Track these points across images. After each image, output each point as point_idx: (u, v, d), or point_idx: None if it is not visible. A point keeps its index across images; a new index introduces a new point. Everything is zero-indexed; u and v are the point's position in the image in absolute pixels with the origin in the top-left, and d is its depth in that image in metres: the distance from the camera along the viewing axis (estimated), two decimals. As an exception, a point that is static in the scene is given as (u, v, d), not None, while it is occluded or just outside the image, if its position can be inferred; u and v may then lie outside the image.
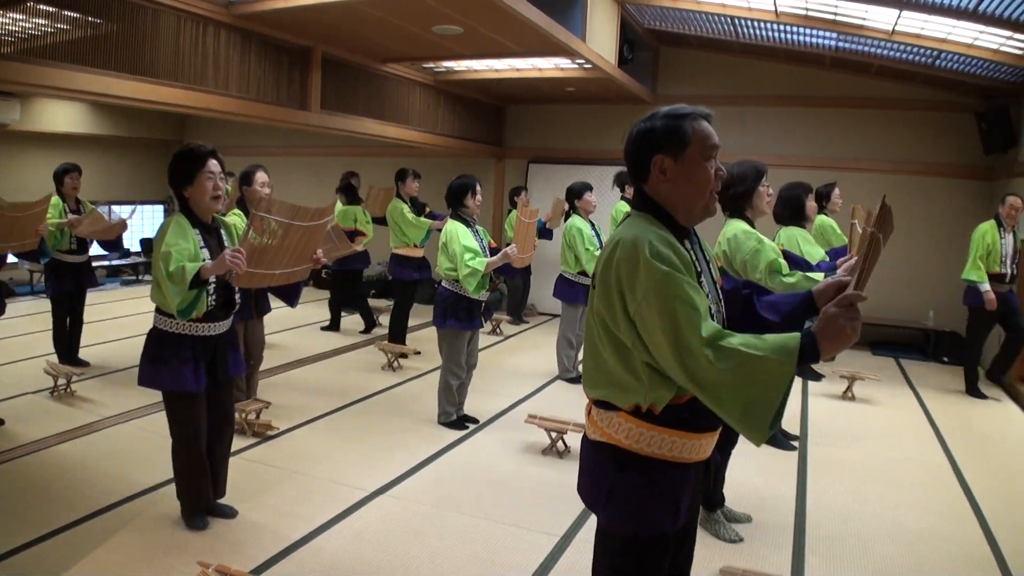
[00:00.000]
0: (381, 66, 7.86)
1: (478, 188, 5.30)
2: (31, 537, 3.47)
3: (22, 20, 4.63)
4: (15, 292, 10.36)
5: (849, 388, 6.68)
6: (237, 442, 4.45)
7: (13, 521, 3.63)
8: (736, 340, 1.70)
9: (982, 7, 5.82)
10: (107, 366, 6.56)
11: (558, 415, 5.17)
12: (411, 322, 7.79)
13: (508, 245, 5.30)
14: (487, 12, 5.64)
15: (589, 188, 6.77)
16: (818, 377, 7.21)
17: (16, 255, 5.95)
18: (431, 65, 8.38)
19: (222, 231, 3.63)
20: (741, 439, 3.66)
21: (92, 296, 7.58)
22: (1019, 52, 6.51)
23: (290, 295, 4.13)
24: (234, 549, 3.46)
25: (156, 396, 3.63)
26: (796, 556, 3.69)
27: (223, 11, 5.78)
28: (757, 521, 4.03)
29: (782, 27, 7.65)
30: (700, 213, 1.98)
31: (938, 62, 7.62)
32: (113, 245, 6.73)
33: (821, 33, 7.58)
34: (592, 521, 3.75)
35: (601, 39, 7.38)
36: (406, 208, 7.35)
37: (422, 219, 7.38)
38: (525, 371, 7.15)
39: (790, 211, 4.65)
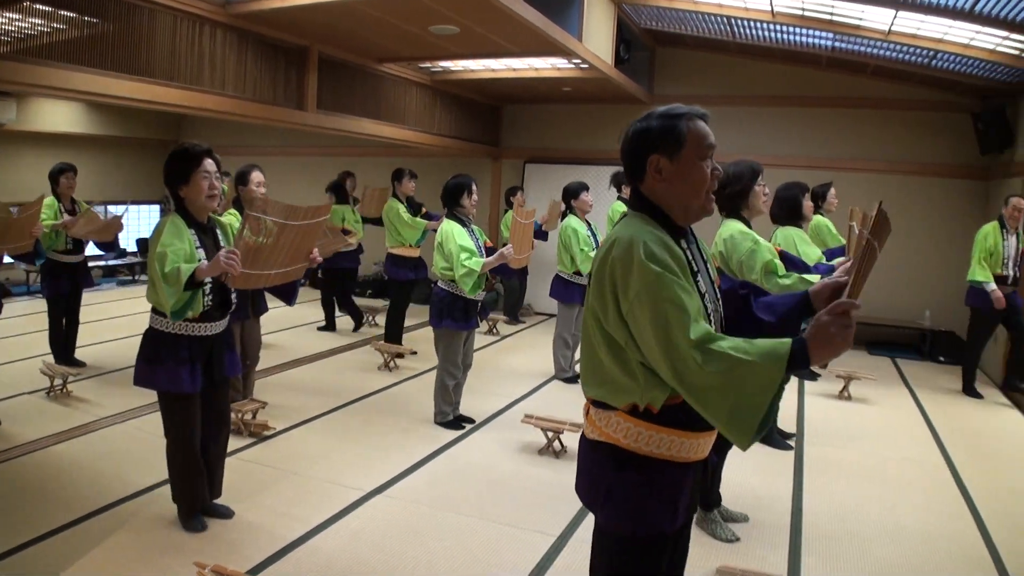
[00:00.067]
0: (377, 66, 7.86)
1: (474, 188, 5.30)
2: (28, 537, 3.46)
3: (18, 19, 4.62)
4: (11, 292, 10.34)
5: (845, 388, 6.68)
6: (233, 442, 4.45)
7: (10, 521, 3.62)
8: (726, 344, 1.69)
9: (978, 7, 5.83)
10: (103, 366, 6.55)
11: (554, 415, 5.17)
12: (407, 322, 7.78)
13: (504, 245, 5.30)
14: (483, 12, 5.64)
15: (585, 188, 6.77)
16: (814, 376, 7.22)
17: (11, 256, 5.95)
18: (427, 65, 8.37)
19: (218, 231, 3.63)
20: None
21: (88, 296, 7.58)
22: (1015, 52, 6.52)
23: (288, 294, 4.12)
24: (231, 549, 3.46)
25: (152, 396, 3.62)
26: (793, 556, 3.69)
27: (219, 11, 5.78)
28: (754, 521, 4.03)
29: (778, 27, 7.66)
30: (697, 213, 1.98)
31: (934, 62, 7.63)
32: (108, 245, 6.72)
33: (817, 33, 7.59)
34: (589, 521, 3.76)
35: (597, 39, 7.38)
36: (402, 208, 7.34)
37: (418, 219, 7.38)
38: (521, 371, 7.15)
39: (787, 211, 4.66)
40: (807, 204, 4.72)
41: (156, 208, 13.06)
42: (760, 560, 3.61)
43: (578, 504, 4.02)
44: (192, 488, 3.60)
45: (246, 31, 6.09)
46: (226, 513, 3.77)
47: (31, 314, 8.54)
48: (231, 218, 4.72)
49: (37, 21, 4.73)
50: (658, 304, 1.75)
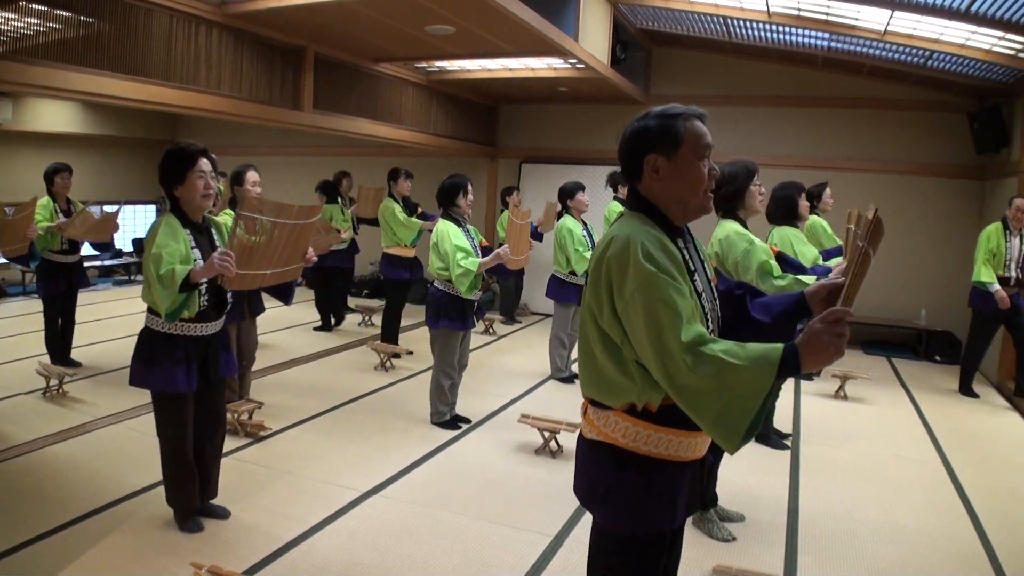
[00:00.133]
0: (374, 66, 7.85)
1: (469, 188, 5.30)
2: (24, 538, 3.46)
3: (14, 19, 4.61)
4: (7, 292, 10.34)
5: (841, 387, 6.69)
6: (230, 443, 4.45)
7: (7, 522, 3.61)
8: (717, 347, 1.69)
9: (974, 7, 5.84)
10: (99, 367, 6.53)
11: (551, 415, 5.18)
12: (404, 322, 7.78)
13: (500, 246, 5.30)
14: (480, 12, 5.64)
15: (581, 188, 6.77)
16: (811, 376, 7.22)
17: (6, 258, 5.94)
18: (424, 65, 8.37)
19: (213, 231, 3.62)
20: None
21: (84, 296, 7.57)
22: (1011, 52, 6.53)
23: (284, 294, 4.12)
24: (227, 550, 3.45)
25: (148, 396, 3.60)
26: (789, 555, 3.70)
27: (215, 10, 5.77)
28: (750, 520, 4.04)
29: (774, 27, 7.67)
30: (695, 211, 1.98)
31: (930, 62, 7.64)
32: (104, 246, 6.71)
33: (813, 33, 7.60)
34: (586, 520, 3.76)
35: (594, 39, 7.38)
36: (398, 208, 7.33)
37: (413, 219, 7.37)
38: (518, 371, 7.16)
39: (783, 211, 4.66)
40: (803, 204, 4.72)
41: (152, 208, 13.03)
42: (756, 559, 3.61)
43: (575, 504, 4.03)
44: (185, 492, 3.59)
45: (242, 31, 6.08)
46: (222, 513, 3.77)
47: (27, 314, 8.54)
48: (227, 218, 4.71)
49: (33, 21, 4.72)
50: (652, 304, 1.74)
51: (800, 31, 7.63)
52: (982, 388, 7.14)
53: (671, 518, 1.96)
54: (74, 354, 6.63)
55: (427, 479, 4.46)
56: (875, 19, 6.58)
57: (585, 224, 6.72)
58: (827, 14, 6.77)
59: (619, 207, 7.08)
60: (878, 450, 5.32)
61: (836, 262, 4.08)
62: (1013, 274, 6.62)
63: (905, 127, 8.91)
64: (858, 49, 7.89)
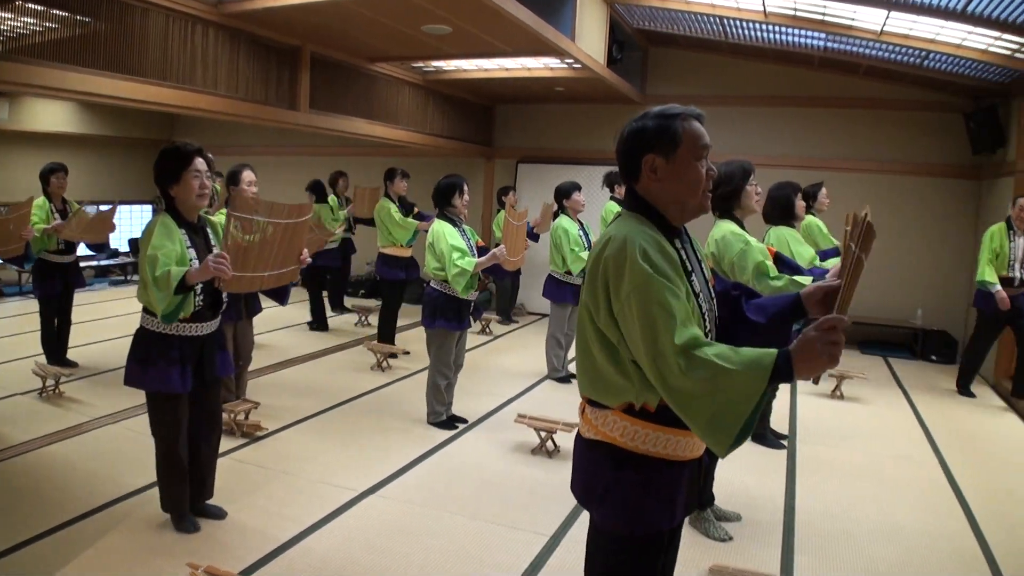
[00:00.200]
0: (370, 66, 7.85)
1: (465, 188, 5.29)
2: (22, 539, 3.45)
3: (10, 19, 4.60)
4: (3, 293, 10.32)
5: (838, 387, 6.70)
6: (226, 443, 4.44)
7: (3, 523, 3.60)
8: (711, 351, 1.69)
9: (970, 8, 5.85)
10: (95, 367, 6.52)
11: (547, 415, 5.18)
12: (400, 322, 7.78)
13: (497, 246, 5.30)
14: (476, 12, 5.64)
15: (577, 188, 6.77)
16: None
17: (1, 259, 5.92)
18: (420, 65, 8.37)
19: (208, 230, 3.62)
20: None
21: (80, 296, 7.55)
22: (1007, 52, 6.54)
23: (280, 294, 4.12)
24: (223, 550, 3.45)
25: (144, 396, 3.60)
26: (785, 554, 3.70)
27: (212, 10, 5.76)
28: (746, 519, 4.04)
29: (771, 27, 7.68)
30: (693, 211, 1.98)
31: (926, 62, 7.65)
32: (100, 246, 6.70)
33: (809, 33, 7.61)
34: (582, 520, 3.76)
35: (590, 39, 7.39)
36: (393, 208, 7.33)
37: (408, 220, 7.37)
38: (514, 371, 7.16)
39: (779, 211, 4.66)
40: (799, 204, 4.72)
41: (149, 208, 13.01)
42: (753, 559, 3.61)
43: (571, 503, 4.03)
44: (173, 488, 3.58)
45: (239, 30, 6.08)
46: (219, 514, 3.76)
47: (23, 315, 8.53)
48: (222, 218, 4.70)
49: (29, 20, 4.72)
50: (647, 306, 1.75)
51: (796, 31, 7.64)
52: (979, 388, 7.15)
53: (669, 517, 1.96)
54: (70, 354, 6.62)
55: (423, 479, 4.46)
56: (871, 19, 6.59)
57: (581, 224, 6.71)
58: (823, 14, 6.77)
59: (616, 207, 7.08)
60: (875, 450, 5.33)
61: (833, 263, 4.08)
62: (1017, 274, 6.54)
63: (901, 127, 8.92)
64: (854, 49, 7.90)
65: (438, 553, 3.54)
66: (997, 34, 6.18)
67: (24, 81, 4.60)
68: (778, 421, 5.62)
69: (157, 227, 3.34)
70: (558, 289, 6.70)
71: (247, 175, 5.17)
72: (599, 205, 8.35)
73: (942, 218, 8.85)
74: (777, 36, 8.09)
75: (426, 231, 5.35)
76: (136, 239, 12.29)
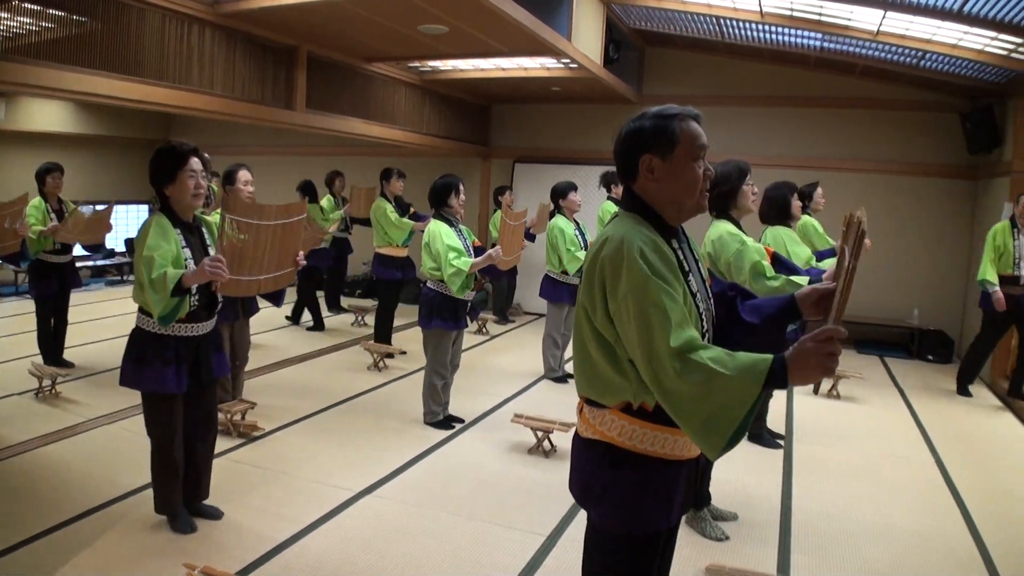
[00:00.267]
0: (367, 65, 7.85)
1: (461, 188, 5.29)
2: (18, 539, 3.44)
3: (7, 18, 4.59)
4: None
5: (834, 386, 6.71)
6: (222, 443, 4.45)
7: (0, 523, 3.61)
8: (706, 354, 1.69)
9: (967, 8, 5.86)
10: (92, 367, 6.51)
11: (544, 414, 5.18)
12: (396, 322, 7.78)
13: (493, 246, 5.30)
14: (473, 12, 5.64)
15: (574, 188, 6.77)
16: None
17: (-2, 258, 5.91)
18: (417, 64, 8.37)
19: (204, 230, 3.62)
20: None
21: (76, 296, 7.53)
22: (1003, 53, 6.55)
23: (275, 295, 4.12)
24: (220, 550, 3.45)
25: (140, 396, 3.60)
26: (782, 554, 3.70)
27: (208, 10, 5.75)
28: (743, 519, 4.05)
29: (767, 27, 7.68)
30: (691, 211, 1.99)
31: (923, 62, 7.66)
32: (96, 247, 6.68)
33: (806, 33, 7.61)
34: (580, 519, 3.76)
35: (587, 39, 7.39)
36: (389, 208, 7.33)
37: (404, 220, 7.37)
38: (511, 371, 7.16)
39: (776, 210, 4.67)
40: (795, 203, 4.73)
41: (145, 208, 12.98)
42: (749, 558, 3.61)
43: (568, 503, 4.03)
44: (166, 486, 3.58)
45: (235, 30, 6.07)
46: (215, 514, 3.76)
47: (19, 315, 8.51)
48: (219, 217, 4.70)
49: (26, 20, 4.71)
50: (643, 307, 1.75)
51: (793, 31, 7.64)
52: (975, 388, 7.14)
53: (667, 516, 1.96)
54: (67, 354, 6.60)
55: (420, 479, 4.46)
56: (868, 19, 6.60)
57: (577, 224, 6.71)
58: (820, 14, 6.78)
59: (613, 207, 7.08)
60: (871, 449, 5.33)
61: (829, 263, 4.09)
62: (1021, 273, 6.50)
63: (898, 127, 8.93)
64: (851, 49, 7.91)
65: (435, 553, 3.54)
66: (993, 34, 6.19)
67: (20, 81, 4.59)
68: (775, 421, 5.62)
69: (152, 227, 3.33)
70: (555, 289, 6.70)
71: (243, 175, 5.17)
72: (595, 205, 8.34)
73: (938, 218, 8.86)
74: (773, 36, 8.10)
75: (422, 231, 5.35)
76: (132, 239, 12.25)
